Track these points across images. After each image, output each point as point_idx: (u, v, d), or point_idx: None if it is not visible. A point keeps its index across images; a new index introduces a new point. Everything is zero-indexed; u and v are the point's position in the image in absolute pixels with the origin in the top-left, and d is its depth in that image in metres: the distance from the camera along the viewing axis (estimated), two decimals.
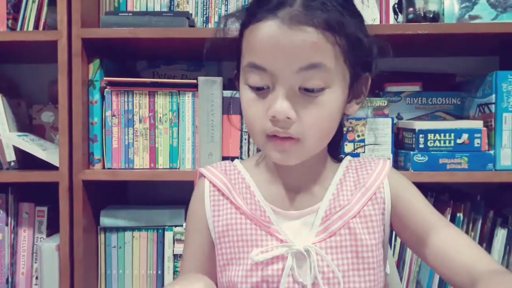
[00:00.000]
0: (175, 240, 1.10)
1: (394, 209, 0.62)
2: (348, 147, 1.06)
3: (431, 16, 1.07)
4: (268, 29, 0.53)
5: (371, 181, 0.62)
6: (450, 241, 0.58)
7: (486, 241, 1.07)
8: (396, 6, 1.12)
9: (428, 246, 0.59)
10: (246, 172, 0.65)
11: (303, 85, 0.54)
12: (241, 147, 1.10)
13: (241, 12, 0.61)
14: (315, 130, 0.56)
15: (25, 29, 1.11)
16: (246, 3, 1.18)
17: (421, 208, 0.62)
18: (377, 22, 1.12)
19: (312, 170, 0.62)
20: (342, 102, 0.58)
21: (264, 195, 0.62)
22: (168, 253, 1.11)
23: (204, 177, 0.66)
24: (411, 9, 1.09)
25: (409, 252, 1.08)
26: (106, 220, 1.12)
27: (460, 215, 1.07)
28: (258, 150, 1.11)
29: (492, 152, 1.03)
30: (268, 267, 0.58)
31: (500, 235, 1.06)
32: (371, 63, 0.60)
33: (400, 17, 1.12)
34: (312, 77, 0.54)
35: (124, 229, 1.12)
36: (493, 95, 1.04)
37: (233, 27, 0.62)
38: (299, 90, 0.54)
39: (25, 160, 1.13)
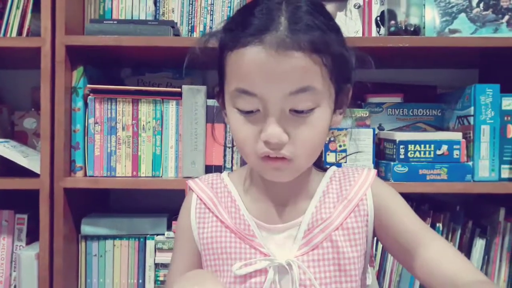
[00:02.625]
0: (156, 249, 1.10)
1: (378, 220, 0.62)
2: (330, 157, 1.07)
3: (412, 29, 1.10)
4: (255, 56, 0.53)
5: (353, 193, 0.62)
6: (438, 255, 0.58)
7: (465, 251, 1.09)
8: (378, 19, 1.14)
9: (415, 260, 0.59)
10: (233, 186, 0.66)
11: (294, 108, 0.55)
12: (224, 155, 1.11)
13: (221, 33, 0.60)
14: (307, 148, 0.57)
15: (8, 35, 1.11)
16: (232, 14, 1.19)
17: (406, 220, 0.61)
18: (360, 34, 1.14)
19: (297, 183, 0.63)
20: (330, 116, 0.59)
21: (249, 209, 0.63)
22: (149, 262, 1.10)
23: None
24: (392, 22, 1.11)
25: (389, 262, 1.09)
26: (87, 228, 1.11)
27: (439, 225, 1.08)
28: (242, 159, 1.11)
29: (470, 163, 1.05)
30: (251, 280, 0.59)
31: (479, 245, 1.08)
32: (351, 75, 0.62)
33: (382, 30, 1.14)
34: (302, 100, 0.54)
35: (105, 237, 1.11)
36: (472, 108, 1.06)
37: (215, 42, 0.62)
38: (289, 112, 0.55)
39: (6, 166, 1.11)
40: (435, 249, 0.59)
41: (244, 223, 0.62)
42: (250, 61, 0.54)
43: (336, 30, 0.59)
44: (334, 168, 0.67)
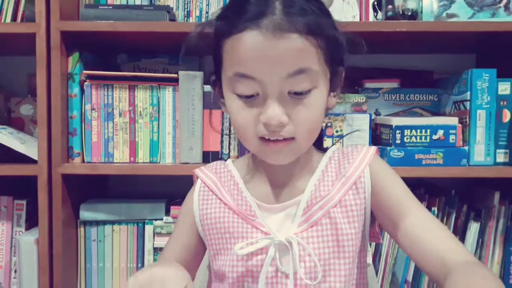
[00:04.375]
0: (155, 234, 1.11)
1: (374, 197, 0.63)
2: (327, 142, 1.07)
3: (409, 14, 1.09)
4: (253, 39, 0.55)
5: (351, 171, 0.63)
6: (419, 224, 0.59)
7: (459, 234, 1.11)
8: (375, 3, 1.13)
9: (399, 228, 0.60)
10: (236, 171, 0.68)
11: (292, 89, 0.56)
12: (221, 141, 1.11)
13: (216, 20, 0.61)
14: (307, 128, 0.58)
15: (2, 21, 1.10)
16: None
17: (396, 192, 0.62)
18: (357, 19, 1.13)
19: (297, 164, 0.64)
20: (326, 97, 0.61)
21: (251, 191, 0.65)
22: (148, 246, 1.11)
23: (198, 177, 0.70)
24: (390, 6, 1.11)
25: (385, 245, 1.11)
26: (86, 214, 1.11)
27: (434, 209, 1.09)
28: (240, 145, 1.12)
29: (466, 148, 1.06)
30: (252, 258, 0.61)
31: (473, 228, 1.09)
32: (344, 58, 0.63)
33: (380, 15, 1.13)
34: (301, 81, 0.56)
35: (104, 222, 1.12)
36: (468, 93, 1.07)
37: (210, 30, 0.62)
38: (288, 94, 0.57)
39: (4, 153, 1.12)
40: (417, 220, 0.59)
41: (246, 204, 0.64)
42: (248, 45, 0.55)
43: (328, 14, 0.60)
44: (334, 148, 0.69)
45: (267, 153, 0.60)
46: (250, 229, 0.63)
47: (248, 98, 0.57)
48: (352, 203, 0.62)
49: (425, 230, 0.58)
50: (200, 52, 0.62)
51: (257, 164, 0.67)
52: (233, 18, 0.57)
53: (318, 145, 0.69)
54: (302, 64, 0.55)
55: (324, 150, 0.69)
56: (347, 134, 1.06)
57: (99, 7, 1.09)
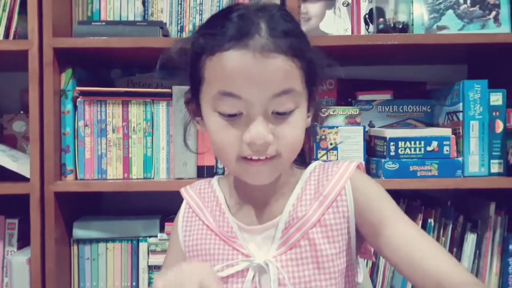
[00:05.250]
0: (149, 251, 1.09)
1: (358, 215, 0.61)
2: (321, 155, 1.07)
3: (400, 26, 1.10)
4: (240, 59, 0.54)
5: (329, 188, 0.61)
6: (407, 238, 0.57)
7: (456, 246, 1.10)
8: (367, 16, 1.14)
9: (388, 243, 0.58)
10: (220, 191, 0.68)
11: (276, 109, 0.57)
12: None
13: (195, 38, 0.60)
14: (290, 146, 0.59)
15: None
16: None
17: (380, 205, 0.60)
18: (349, 32, 1.14)
19: (276, 183, 0.64)
20: (306, 116, 0.62)
21: (233, 212, 0.65)
22: (142, 264, 1.10)
23: None
24: (381, 19, 1.12)
25: (382, 258, 1.10)
26: (79, 232, 1.10)
27: (431, 220, 1.09)
28: None
29: (460, 159, 1.06)
30: (233, 280, 0.61)
31: (470, 239, 1.09)
32: (318, 79, 0.64)
33: (371, 28, 1.14)
34: (285, 102, 0.56)
35: (98, 240, 1.10)
36: (461, 104, 1.07)
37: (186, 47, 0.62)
38: (271, 113, 0.57)
39: None
40: (400, 228, 0.57)
41: (228, 225, 0.64)
42: (234, 64, 0.55)
43: (304, 35, 0.61)
44: (315, 163, 0.67)
45: (248, 173, 0.59)
46: (231, 251, 0.62)
47: (231, 117, 0.57)
48: (332, 222, 0.61)
49: (418, 248, 0.56)
50: (177, 68, 0.61)
51: (238, 183, 0.67)
52: (217, 36, 0.56)
53: (301, 160, 0.68)
54: (287, 85, 0.56)
55: (306, 166, 0.67)
56: (331, 149, 1.05)
57: (92, 23, 1.09)
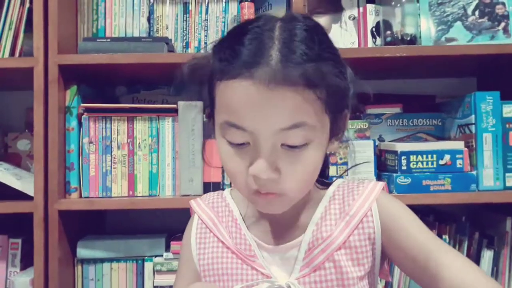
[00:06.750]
0: (155, 271, 1.06)
1: (386, 237, 0.58)
2: (331, 170, 1.05)
3: (408, 39, 1.09)
4: (245, 90, 0.50)
5: (355, 209, 0.59)
6: (462, 276, 0.53)
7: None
8: (374, 29, 1.13)
9: (438, 282, 0.55)
10: (234, 205, 0.64)
11: (285, 143, 0.52)
12: (223, 171, 1.08)
13: (211, 56, 0.57)
14: (298, 184, 0.54)
15: (0, 56, 1.09)
16: (226, 29, 1.18)
17: (416, 234, 0.57)
18: (356, 45, 1.13)
19: (298, 202, 0.60)
20: (324, 150, 0.56)
21: (250, 228, 0.62)
22: (148, 284, 1.06)
23: None
24: (388, 32, 1.11)
25: (396, 275, 1.06)
26: (83, 252, 1.07)
27: (445, 237, 1.05)
28: None
29: (474, 172, 1.03)
30: None
31: (487, 256, 1.05)
32: (349, 102, 0.59)
33: (379, 40, 1.13)
34: (295, 136, 0.52)
35: (102, 260, 1.07)
36: (473, 116, 1.05)
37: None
38: (281, 146, 0.52)
39: None
40: (456, 269, 0.54)
41: (245, 243, 0.60)
42: (239, 95, 0.51)
43: (333, 57, 0.54)
44: (339, 181, 0.64)
45: (259, 204, 0.56)
46: (250, 271, 0.59)
47: (239, 146, 0.54)
48: (357, 244, 0.58)
49: (463, 278, 0.53)
50: (191, 83, 0.59)
51: None
52: (227, 60, 0.52)
53: (322, 178, 0.64)
54: (297, 119, 0.51)
55: (327, 185, 0.64)
56: (352, 167, 1.02)
57: (97, 40, 1.09)
